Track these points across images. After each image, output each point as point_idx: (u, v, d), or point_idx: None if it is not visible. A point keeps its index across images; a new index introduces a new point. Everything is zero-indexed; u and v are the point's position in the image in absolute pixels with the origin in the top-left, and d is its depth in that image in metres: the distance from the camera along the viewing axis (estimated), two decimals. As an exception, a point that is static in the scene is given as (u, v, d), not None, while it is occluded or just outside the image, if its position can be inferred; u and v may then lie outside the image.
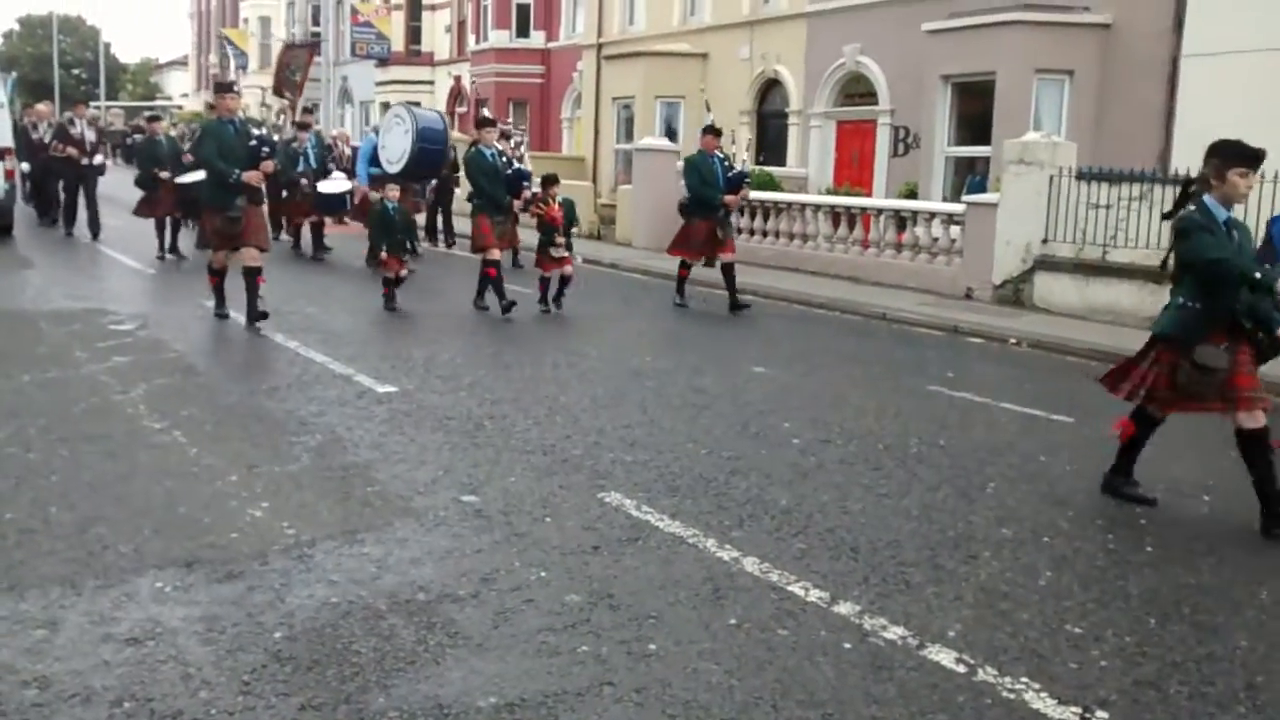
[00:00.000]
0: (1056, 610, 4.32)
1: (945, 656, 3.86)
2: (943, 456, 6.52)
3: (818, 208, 16.40)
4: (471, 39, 31.96)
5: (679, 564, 4.62)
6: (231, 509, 5.08)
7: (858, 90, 19.96)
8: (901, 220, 14.98)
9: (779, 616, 4.14)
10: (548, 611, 4.09)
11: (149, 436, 6.25)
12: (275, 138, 13.37)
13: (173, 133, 18.29)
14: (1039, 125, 15.15)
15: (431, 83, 35.56)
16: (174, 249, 15.14)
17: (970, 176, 16.62)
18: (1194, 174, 5.71)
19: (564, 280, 11.46)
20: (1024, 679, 3.72)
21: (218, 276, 10.14)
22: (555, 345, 9.68)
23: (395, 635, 3.85)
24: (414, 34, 35.12)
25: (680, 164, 15.44)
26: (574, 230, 11.99)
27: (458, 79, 33.35)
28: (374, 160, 15.03)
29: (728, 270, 12.33)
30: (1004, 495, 5.80)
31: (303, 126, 17.20)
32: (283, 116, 21.14)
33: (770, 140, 22.05)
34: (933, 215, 14.56)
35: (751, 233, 17.03)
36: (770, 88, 21.99)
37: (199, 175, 14.08)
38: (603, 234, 20.67)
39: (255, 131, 10.06)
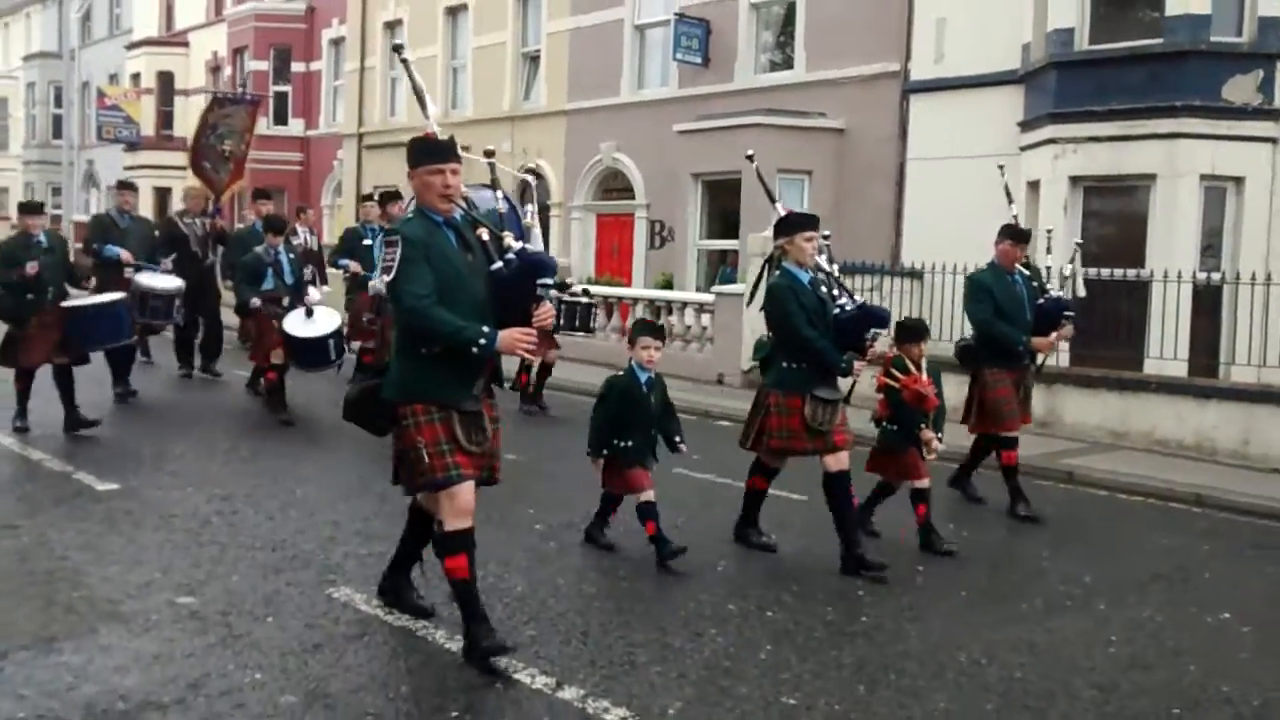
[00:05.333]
0: (774, 683, 4.46)
1: (664, 735, 3.92)
2: (680, 536, 6.64)
3: (577, 297, 16.67)
4: (228, 125, 31.13)
5: (404, 658, 4.52)
6: (-90, 623, 4.64)
7: (616, 185, 20.59)
8: (658, 309, 15.43)
9: (502, 706, 4.11)
10: (258, 715, 3.90)
11: None
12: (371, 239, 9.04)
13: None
14: (782, 221, 15.99)
15: (184, 168, 34.22)
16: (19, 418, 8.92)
17: (722, 268, 17.37)
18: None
19: (922, 496, 6.68)
20: (738, 752, 3.82)
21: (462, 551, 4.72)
22: (303, 438, 9.37)
23: (84, 750, 3.59)
24: (166, 118, 33.79)
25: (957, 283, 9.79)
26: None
27: (212, 165, 32.28)
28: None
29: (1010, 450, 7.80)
30: (734, 572, 5.99)
31: (274, 229, 10.66)
32: (211, 203, 14.63)
33: (533, 231, 22.40)
34: (685, 304, 15.10)
35: (512, 322, 17.13)
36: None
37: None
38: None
39: (512, 245, 4.60)
